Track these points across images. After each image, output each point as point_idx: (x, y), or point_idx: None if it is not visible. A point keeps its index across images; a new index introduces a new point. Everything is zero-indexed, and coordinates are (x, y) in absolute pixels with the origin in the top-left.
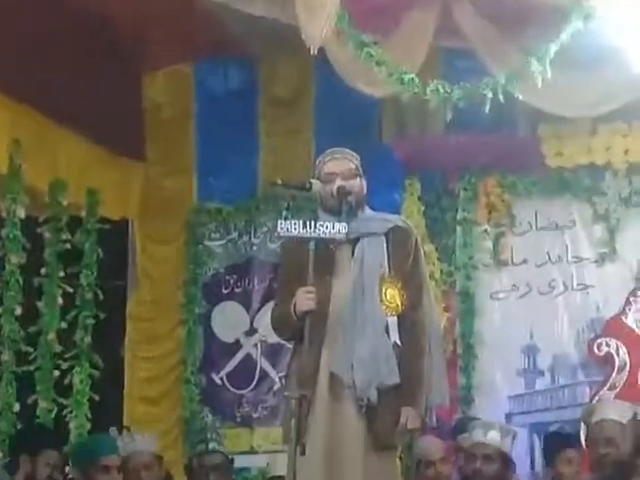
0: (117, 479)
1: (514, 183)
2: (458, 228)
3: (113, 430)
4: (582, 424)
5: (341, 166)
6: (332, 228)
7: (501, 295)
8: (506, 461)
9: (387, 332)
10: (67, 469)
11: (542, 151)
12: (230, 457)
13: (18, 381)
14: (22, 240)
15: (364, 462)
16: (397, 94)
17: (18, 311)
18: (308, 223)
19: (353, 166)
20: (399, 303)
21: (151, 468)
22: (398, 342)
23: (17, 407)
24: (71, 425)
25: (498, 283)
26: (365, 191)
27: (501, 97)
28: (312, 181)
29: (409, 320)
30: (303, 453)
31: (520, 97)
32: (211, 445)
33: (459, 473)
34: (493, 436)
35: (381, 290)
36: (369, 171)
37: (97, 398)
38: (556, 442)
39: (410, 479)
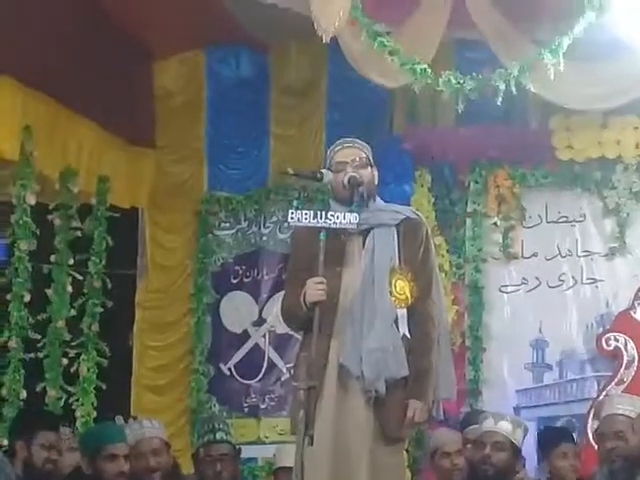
0: (124, 467)
1: (524, 176)
2: (468, 220)
3: (119, 418)
4: (591, 419)
5: (352, 156)
6: (343, 218)
7: (510, 288)
8: (516, 453)
9: (396, 324)
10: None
11: (553, 144)
12: (237, 447)
13: (26, 369)
14: (32, 227)
15: (371, 454)
16: (409, 85)
17: (27, 298)
18: (319, 213)
19: (364, 156)
20: (409, 295)
21: (160, 454)
22: (407, 334)
23: (24, 394)
24: (77, 413)
25: (507, 276)
26: (376, 181)
27: (513, 89)
28: (323, 171)
29: (418, 312)
30: (311, 444)
31: (532, 89)
32: (219, 435)
33: (467, 463)
34: (504, 425)
35: (391, 282)
36: (379, 162)
37: (104, 387)
38: (551, 437)
39: (416, 471)
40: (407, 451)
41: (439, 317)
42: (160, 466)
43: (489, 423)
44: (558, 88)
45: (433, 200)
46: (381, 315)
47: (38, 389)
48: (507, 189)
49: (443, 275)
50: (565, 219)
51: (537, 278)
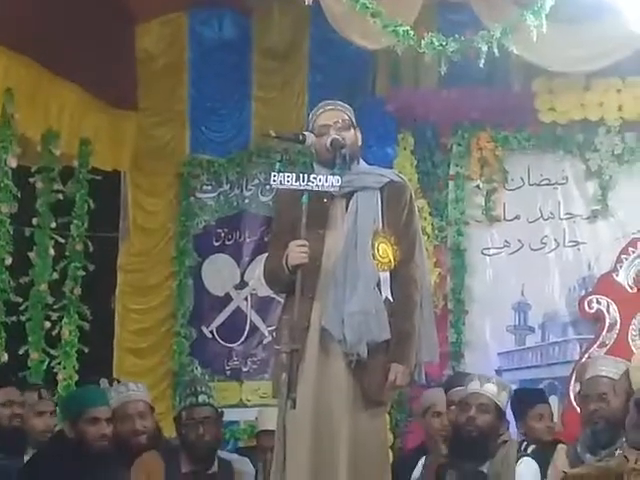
0: (106, 430)
1: (507, 138)
2: (450, 183)
3: (104, 381)
4: (573, 381)
5: (334, 118)
6: (325, 181)
7: (492, 251)
8: (500, 415)
9: (379, 288)
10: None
11: (535, 106)
12: (220, 410)
13: (8, 332)
14: (13, 189)
15: (352, 417)
16: (391, 47)
17: (8, 261)
18: (301, 176)
19: (347, 118)
20: (392, 258)
21: (146, 417)
22: (390, 298)
23: (5, 357)
24: (59, 376)
25: (490, 239)
26: (360, 143)
27: (496, 51)
28: (305, 133)
29: (401, 276)
30: (293, 407)
31: (514, 51)
32: (201, 398)
33: (450, 424)
34: (489, 387)
35: (374, 245)
36: (362, 124)
37: (86, 350)
38: (525, 398)
39: (398, 434)
40: (389, 414)
41: (422, 280)
42: (146, 429)
43: (475, 385)
44: (541, 50)
45: (415, 163)
46: (363, 278)
47: (21, 352)
48: (489, 152)
49: (425, 238)
50: (547, 182)
51: (519, 241)
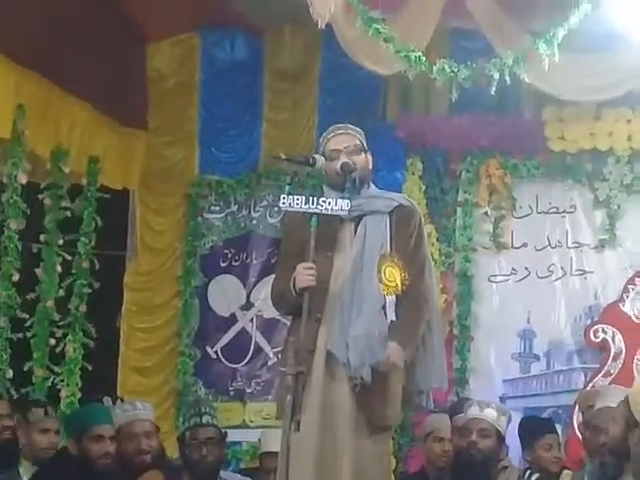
0: (110, 448)
1: (516, 166)
2: (458, 209)
3: (107, 399)
4: (577, 410)
5: (345, 142)
6: (335, 204)
7: (499, 278)
8: (500, 440)
9: (385, 311)
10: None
11: (545, 134)
12: (223, 431)
13: (13, 348)
14: (22, 206)
15: (356, 441)
16: (403, 72)
17: (16, 277)
18: (311, 199)
19: (358, 142)
20: (399, 282)
21: (151, 437)
22: (394, 318)
23: (10, 374)
24: (62, 393)
25: (497, 266)
26: (370, 167)
27: (507, 79)
28: (315, 156)
29: (411, 295)
30: (298, 429)
31: (526, 79)
32: (205, 419)
33: (454, 450)
34: (489, 413)
35: (380, 269)
36: (371, 149)
37: (90, 367)
38: (535, 427)
39: (401, 458)
40: (392, 438)
41: (432, 302)
42: (151, 449)
43: (474, 410)
44: (552, 79)
45: (424, 188)
46: (369, 301)
47: (25, 369)
48: (498, 179)
49: (432, 264)
50: (555, 210)
51: (526, 268)
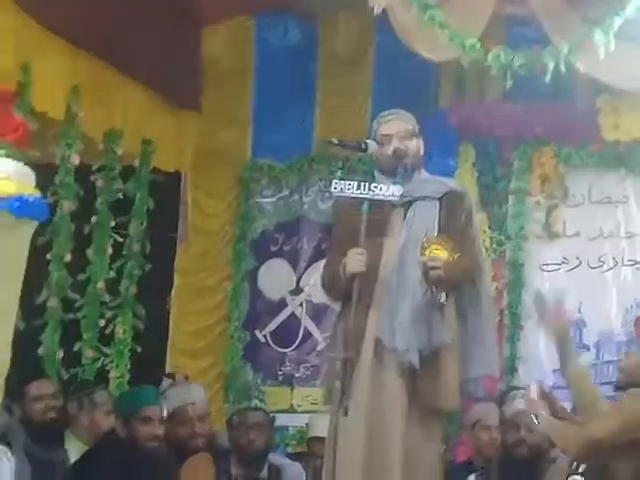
0: (159, 431)
1: (569, 154)
2: (510, 197)
3: (167, 381)
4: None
5: (398, 127)
6: (387, 190)
7: (551, 267)
8: None
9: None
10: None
11: (599, 123)
12: (272, 415)
13: (63, 329)
14: (75, 187)
15: (406, 427)
16: (457, 59)
17: (67, 258)
18: (362, 184)
19: (410, 127)
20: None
21: (204, 420)
22: (444, 301)
23: (61, 354)
24: (111, 375)
25: (548, 255)
26: (422, 152)
27: (562, 67)
28: (367, 141)
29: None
30: (346, 414)
31: (581, 68)
32: (254, 403)
33: (501, 443)
34: None
35: (424, 251)
36: (424, 135)
37: (139, 349)
38: None
39: (449, 447)
40: None
41: (484, 284)
42: (204, 432)
43: (520, 403)
44: (607, 68)
45: (476, 176)
46: (415, 285)
47: (75, 349)
48: (551, 167)
49: (484, 251)
50: (608, 200)
51: (578, 258)
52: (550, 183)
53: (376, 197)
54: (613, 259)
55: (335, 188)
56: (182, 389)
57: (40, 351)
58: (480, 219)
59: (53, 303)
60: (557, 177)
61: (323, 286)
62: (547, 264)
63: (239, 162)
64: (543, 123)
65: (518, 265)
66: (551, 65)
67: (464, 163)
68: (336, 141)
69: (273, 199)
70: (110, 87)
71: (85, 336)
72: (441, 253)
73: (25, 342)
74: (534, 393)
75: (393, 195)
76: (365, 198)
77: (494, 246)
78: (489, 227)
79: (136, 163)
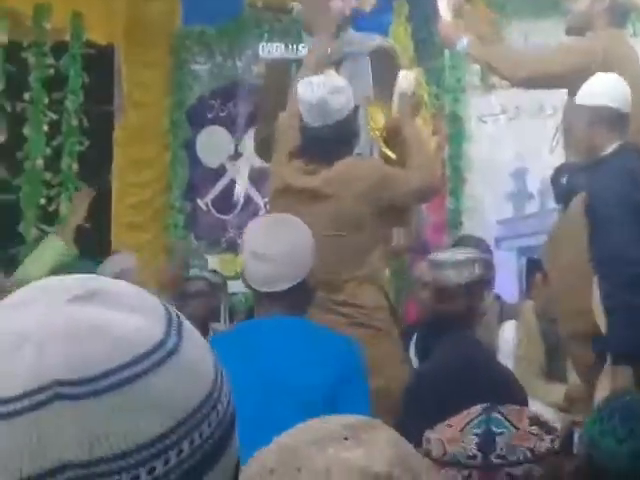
0: None
1: (503, 4)
2: (446, 50)
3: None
4: None
5: None
6: None
7: (490, 118)
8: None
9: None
10: None
11: None
12: (215, 282)
13: (2, 210)
14: (6, 66)
15: None
16: None
17: (1, 139)
18: (290, 46)
19: None
20: (382, 126)
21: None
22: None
23: None
24: None
25: (487, 106)
26: (348, 12)
27: None
28: (293, 3)
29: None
30: None
31: None
32: (192, 272)
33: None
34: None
35: (367, 114)
36: None
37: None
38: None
39: (401, 304)
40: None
41: None
42: None
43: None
44: None
45: (411, 30)
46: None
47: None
48: (485, 18)
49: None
50: (546, 47)
51: (517, 107)
52: (486, 33)
53: (303, 58)
54: (552, 106)
55: (262, 51)
56: (109, 260)
57: None
58: (417, 73)
59: None
60: (492, 27)
61: (256, 150)
62: (486, 115)
63: (170, 30)
64: None
65: (457, 117)
66: None
67: (398, 18)
68: (260, 4)
69: (206, 66)
70: None
71: (27, 215)
72: (379, 116)
73: None
74: None
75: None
76: (293, 59)
77: (432, 100)
78: (426, 82)
79: (67, 38)
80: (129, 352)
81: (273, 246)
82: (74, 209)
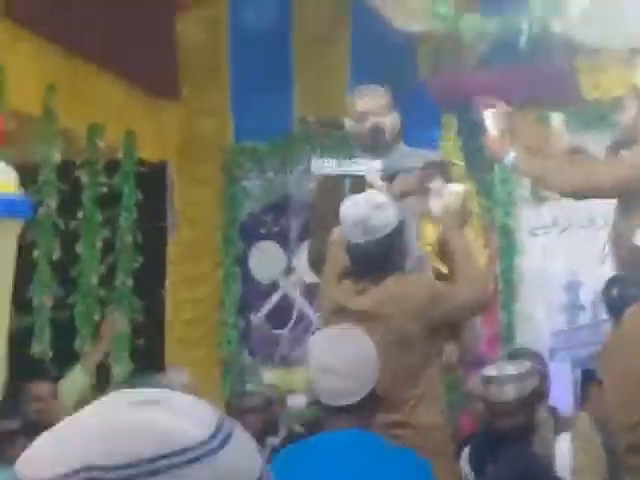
0: None
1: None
2: (496, 164)
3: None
4: None
5: (372, 103)
6: (366, 165)
7: (541, 231)
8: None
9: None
10: None
11: (579, 83)
12: (269, 398)
13: (59, 327)
14: (58, 184)
15: None
16: (432, 29)
17: (56, 256)
18: (342, 161)
19: (383, 102)
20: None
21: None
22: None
23: (50, 354)
24: (113, 370)
25: (538, 218)
26: (399, 126)
27: (537, 29)
28: (344, 119)
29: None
30: None
31: (557, 29)
32: (248, 387)
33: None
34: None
35: (418, 228)
36: (406, 109)
37: (138, 342)
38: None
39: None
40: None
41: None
42: None
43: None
44: (584, 26)
45: (461, 144)
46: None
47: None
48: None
49: (473, 219)
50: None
51: (568, 219)
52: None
53: (356, 173)
54: (603, 217)
55: (315, 166)
56: (163, 376)
57: (32, 351)
58: (467, 185)
59: (41, 301)
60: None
61: (310, 264)
62: (537, 228)
63: (222, 147)
64: (522, 86)
65: (509, 230)
66: (525, 28)
67: (447, 133)
68: (312, 119)
69: (258, 181)
70: (87, 81)
71: (82, 332)
72: (430, 230)
73: (20, 342)
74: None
75: (373, 170)
76: (345, 175)
77: (483, 213)
78: (477, 195)
79: (120, 155)
80: (169, 446)
81: (341, 359)
82: (102, 338)
